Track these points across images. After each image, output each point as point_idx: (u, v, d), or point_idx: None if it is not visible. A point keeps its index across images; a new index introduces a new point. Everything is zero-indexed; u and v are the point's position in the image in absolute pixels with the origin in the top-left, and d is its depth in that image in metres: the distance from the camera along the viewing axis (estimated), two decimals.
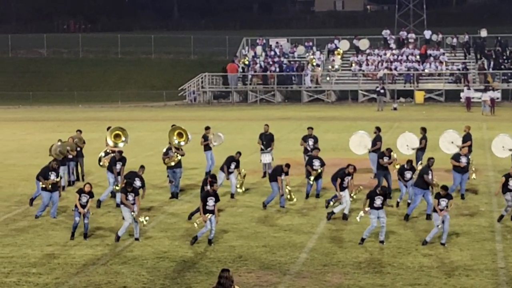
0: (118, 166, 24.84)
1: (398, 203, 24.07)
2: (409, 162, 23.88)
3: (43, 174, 23.17)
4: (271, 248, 19.92)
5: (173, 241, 20.64)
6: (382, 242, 20.00)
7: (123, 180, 23.05)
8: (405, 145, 28.25)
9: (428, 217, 22.07)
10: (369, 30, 79.30)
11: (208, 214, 20.03)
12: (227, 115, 54.57)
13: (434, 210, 19.83)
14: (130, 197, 20.61)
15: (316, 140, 28.76)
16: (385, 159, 25.04)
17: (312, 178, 25.12)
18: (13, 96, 70.56)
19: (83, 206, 20.80)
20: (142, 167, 23.35)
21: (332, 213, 22.69)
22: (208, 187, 20.91)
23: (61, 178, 24.12)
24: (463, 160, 24.94)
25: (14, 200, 26.24)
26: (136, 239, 20.63)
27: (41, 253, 19.79)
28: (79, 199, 20.78)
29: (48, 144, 27.81)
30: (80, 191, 20.93)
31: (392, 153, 25.21)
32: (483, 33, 65.64)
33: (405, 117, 50.06)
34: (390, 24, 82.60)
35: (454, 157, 25.13)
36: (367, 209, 19.94)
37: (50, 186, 22.96)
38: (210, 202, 20.09)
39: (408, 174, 23.61)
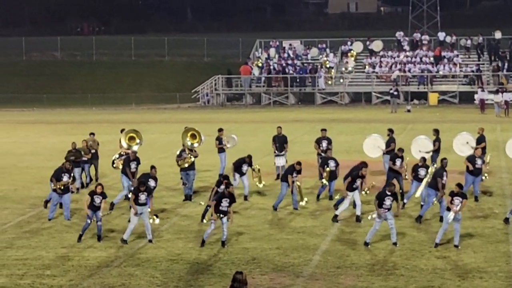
0: (133, 166, 24.81)
1: (404, 204, 23.98)
2: (423, 159, 23.85)
3: (56, 176, 23.25)
4: (284, 250, 19.93)
5: (186, 243, 20.67)
6: (395, 244, 19.96)
7: (137, 181, 23.04)
8: (419, 150, 28.09)
9: (442, 219, 21.99)
10: (383, 32, 79.10)
11: (219, 214, 20.03)
12: (240, 117, 54.60)
13: (448, 210, 19.72)
14: (143, 196, 20.62)
15: (329, 142, 28.69)
16: (397, 162, 24.92)
17: (324, 180, 25.10)
18: (27, 98, 70.81)
19: (97, 208, 20.83)
20: (153, 167, 23.26)
21: (336, 216, 22.69)
22: (223, 187, 20.87)
23: (74, 179, 24.19)
24: (479, 162, 24.85)
25: (28, 202, 26.34)
26: (150, 240, 20.68)
27: (55, 255, 19.87)
28: (92, 201, 20.81)
29: (62, 146, 27.91)
30: (92, 193, 20.94)
31: (403, 155, 25.09)
32: (498, 34, 65.45)
33: (418, 119, 49.95)
34: (403, 26, 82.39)
35: (469, 159, 25.02)
36: (381, 210, 19.88)
37: (62, 187, 23.02)
38: (224, 203, 20.10)
39: (422, 171, 23.41)
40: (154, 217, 21.29)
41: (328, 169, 25.03)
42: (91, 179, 28.82)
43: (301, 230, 21.88)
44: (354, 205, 22.87)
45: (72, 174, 23.72)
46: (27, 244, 20.96)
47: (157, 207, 24.61)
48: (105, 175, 30.03)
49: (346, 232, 21.57)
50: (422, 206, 23.32)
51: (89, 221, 20.86)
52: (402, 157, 24.99)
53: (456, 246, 19.63)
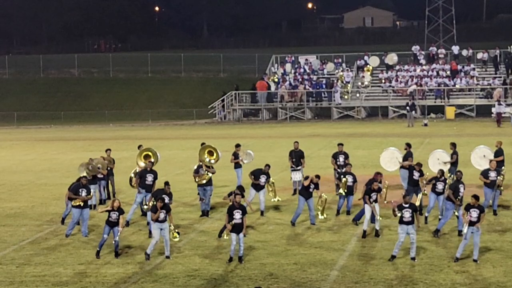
0: (150, 178, 24.83)
1: (426, 218, 23.88)
2: (441, 171, 23.74)
3: (74, 191, 23.29)
4: (301, 265, 19.86)
5: (204, 259, 20.64)
6: (413, 259, 19.85)
7: (151, 197, 23.02)
8: (437, 163, 27.92)
9: (460, 233, 21.85)
10: (399, 46, 79.13)
11: (234, 229, 20.00)
12: (257, 133, 54.62)
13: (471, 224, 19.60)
14: (162, 214, 20.61)
15: (346, 157, 28.63)
16: (416, 174, 24.85)
17: (341, 190, 25.02)
18: (45, 115, 71.21)
19: (114, 223, 20.80)
20: (167, 183, 23.20)
21: (364, 232, 22.57)
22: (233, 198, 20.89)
23: (92, 195, 24.19)
24: (492, 174, 24.71)
25: (45, 219, 26.40)
26: (167, 257, 20.66)
27: (73, 271, 19.87)
28: (109, 216, 20.78)
29: (79, 163, 27.94)
30: (110, 210, 20.92)
31: (422, 169, 25.00)
32: None
33: (436, 133, 49.79)
34: (419, 40, 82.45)
35: (483, 173, 24.92)
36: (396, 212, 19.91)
37: (81, 203, 23.06)
38: (237, 215, 20.07)
39: (440, 185, 23.28)
40: (176, 234, 21.15)
41: (344, 179, 24.99)
42: (108, 196, 28.86)
43: (319, 245, 21.80)
44: (372, 219, 22.77)
45: (90, 190, 23.74)
46: (44, 260, 20.99)
47: (174, 223, 24.61)
48: (122, 191, 30.07)
49: (363, 247, 21.47)
50: (440, 219, 23.20)
51: (106, 236, 20.86)
52: (421, 172, 24.88)
53: (475, 261, 19.49)
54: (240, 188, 22.47)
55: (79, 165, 27.23)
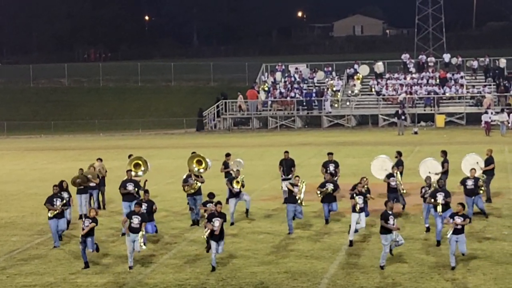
0: (130, 187, 24.92)
1: (428, 228, 23.95)
2: (428, 178, 23.92)
3: (49, 202, 23.27)
4: (292, 274, 19.87)
5: (194, 268, 20.63)
6: (382, 267, 19.88)
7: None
8: (427, 172, 27.97)
9: (438, 243, 22.09)
10: (388, 55, 79.32)
11: (213, 237, 20.07)
12: (247, 142, 54.63)
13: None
14: (136, 220, 20.54)
15: (337, 165, 28.72)
16: (392, 180, 25.16)
17: (319, 193, 25.08)
18: (35, 125, 71.08)
19: (87, 233, 20.65)
20: (146, 191, 23.45)
21: (351, 242, 22.65)
22: (211, 205, 20.95)
23: (65, 204, 23.83)
24: (469, 182, 24.88)
25: (36, 229, 26.37)
26: (130, 267, 20.53)
27: (63, 281, 19.84)
28: (83, 224, 20.76)
29: (69, 172, 27.94)
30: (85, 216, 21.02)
31: (395, 177, 25.35)
32: (502, 63, 65.18)
33: (426, 141, 49.90)
34: (409, 48, 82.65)
35: (461, 182, 25.14)
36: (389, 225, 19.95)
37: (55, 212, 23.02)
38: (216, 222, 20.14)
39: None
40: (143, 244, 20.99)
41: (324, 189, 25.05)
42: (99, 206, 28.82)
43: (309, 254, 21.83)
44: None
45: (64, 198, 23.55)
46: (35, 270, 20.95)
47: (164, 232, 24.64)
48: (113, 200, 30.04)
49: (354, 256, 21.51)
50: (428, 228, 23.40)
51: (80, 246, 20.81)
52: (394, 175, 25.28)
53: (452, 268, 19.54)
54: (211, 195, 22.54)
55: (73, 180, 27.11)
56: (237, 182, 25.82)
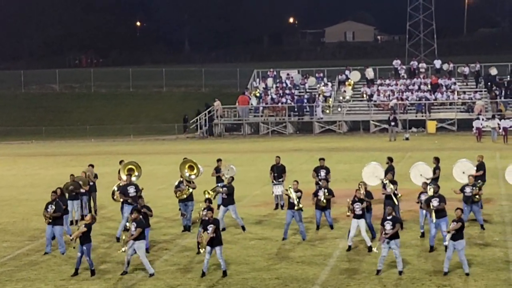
0: (131, 190, 24.83)
1: (423, 233, 23.94)
2: (425, 184, 23.93)
3: (46, 207, 23.23)
4: (284, 280, 19.86)
5: (185, 274, 20.60)
6: (400, 272, 19.87)
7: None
8: (418, 175, 27.97)
9: (431, 248, 22.10)
10: (380, 61, 79.44)
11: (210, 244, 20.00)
12: (239, 147, 54.63)
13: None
14: (132, 227, 20.50)
15: (328, 171, 28.72)
16: (388, 188, 25.13)
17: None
18: (26, 131, 70.90)
19: (75, 234, 20.62)
20: (140, 197, 23.46)
21: (349, 247, 22.66)
22: (204, 213, 20.93)
23: (61, 210, 23.75)
24: (467, 190, 24.85)
25: (27, 234, 26.29)
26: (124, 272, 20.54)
27: (54, 287, 19.77)
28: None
29: (61, 178, 27.89)
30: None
31: (387, 186, 25.24)
32: (493, 71, 65.30)
33: (417, 147, 49.97)
34: (400, 54, 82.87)
35: (461, 189, 25.12)
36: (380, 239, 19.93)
37: (50, 218, 22.94)
38: (210, 229, 20.09)
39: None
40: (123, 250, 20.92)
41: (322, 199, 24.98)
42: (89, 211, 28.72)
43: (301, 260, 21.81)
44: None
45: (59, 205, 23.49)
46: (26, 276, 20.89)
47: (156, 238, 24.60)
48: (104, 206, 29.98)
49: (346, 262, 21.51)
50: (423, 234, 23.43)
51: (78, 254, 20.75)
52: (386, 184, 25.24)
53: (467, 274, 19.55)
54: (209, 201, 22.42)
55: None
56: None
